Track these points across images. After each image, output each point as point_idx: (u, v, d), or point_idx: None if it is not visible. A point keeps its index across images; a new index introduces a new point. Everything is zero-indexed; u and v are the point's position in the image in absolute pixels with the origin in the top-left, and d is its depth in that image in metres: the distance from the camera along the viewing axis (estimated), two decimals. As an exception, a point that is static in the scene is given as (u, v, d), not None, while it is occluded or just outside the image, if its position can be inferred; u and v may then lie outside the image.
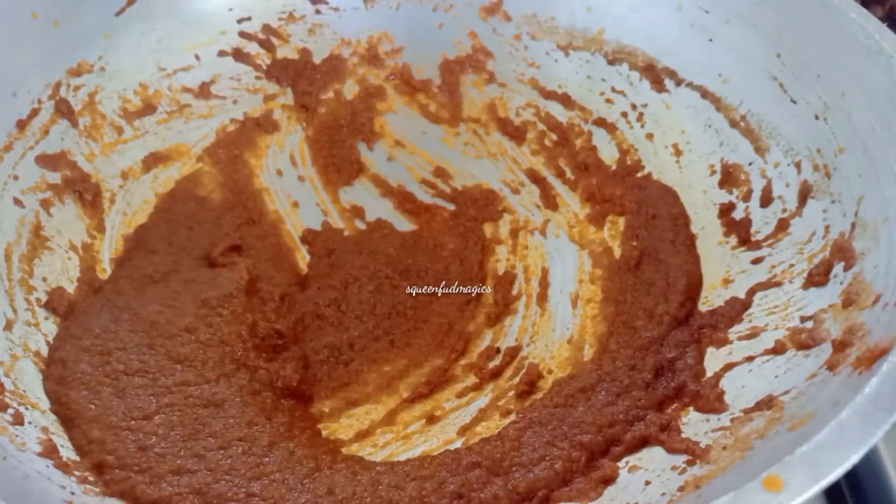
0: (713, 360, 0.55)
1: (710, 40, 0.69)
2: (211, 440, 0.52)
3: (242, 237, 0.70)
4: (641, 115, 0.73)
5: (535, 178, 0.75)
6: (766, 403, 0.47)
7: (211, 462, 0.51)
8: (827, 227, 0.55)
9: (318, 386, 0.61)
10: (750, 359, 0.52)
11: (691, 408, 0.52)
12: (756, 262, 0.59)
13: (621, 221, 0.69)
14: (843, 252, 0.52)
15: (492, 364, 0.62)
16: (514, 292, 0.67)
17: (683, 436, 0.50)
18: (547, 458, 0.50)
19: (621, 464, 0.50)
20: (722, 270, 0.61)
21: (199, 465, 0.51)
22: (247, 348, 0.58)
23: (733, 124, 0.67)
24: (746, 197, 0.63)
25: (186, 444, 0.52)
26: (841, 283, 0.51)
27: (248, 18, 0.82)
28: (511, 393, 0.60)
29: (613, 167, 0.73)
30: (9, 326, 0.56)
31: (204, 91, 0.79)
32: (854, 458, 0.36)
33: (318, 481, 0.51)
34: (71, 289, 0.62)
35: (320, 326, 0.64)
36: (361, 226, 0.74)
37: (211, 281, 0.63)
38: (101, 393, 0.54)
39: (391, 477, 0.51)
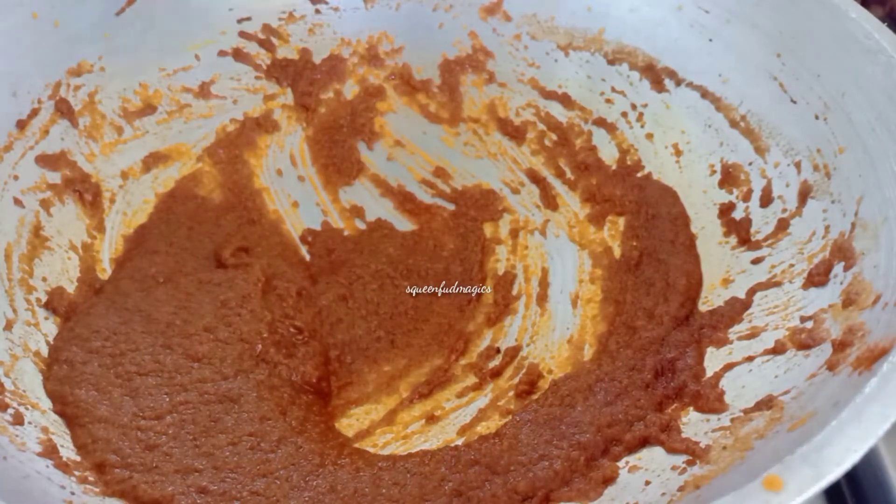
0: (713, 360, 0.55)
1: (710, 40, 0.69)
2: (221, 437, 0.52)
3: (245, 237, 0.70)
4: (641, 115, 0.73)
5: (535, 178, 0.75)
6: (766, 403, 0.47)
7: (218, 460, 0.51)
8: (827, 227, 0.55)
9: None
10: (750, 359, 0.52)
11: (691, 408, 0.52)
12: (756, 262, 0.59)
13: (621, 221, 0.69)
14: (843, 252, 0.52)
15: (492, 364, 0.62)
16: (514, 292, 0.67)
17: (683, 436, 0.50)
18: (546, 458, 0.50)
19: (621, 464, 0.50)
20: (722, 270, 0.61)
21: (205, 464, 0.51)
22: (266, 345, 0.58)
23: (733, 124, 0.67)
24: (746, 197, 0.63)
25: (196, 442, 0.52)
26: (841, 283, 0.51)
27: (248, 18, 0.82)
28: (511, 393, 0.59)
29: (613, 167, 0.73)
30: (9, 326, 0.56)
31: (204, 91, 0.79)
32: (854, 458, 0.36)
33: (321, 478, 0.51)
34: (71, 289, 0.62)
35: (333, 323, 0.64)
36: (361, 226, 0.74)
37: (227, 283, 0.63)
38: (111, 393, 0.54)
39: (392, 473, 0.51)
